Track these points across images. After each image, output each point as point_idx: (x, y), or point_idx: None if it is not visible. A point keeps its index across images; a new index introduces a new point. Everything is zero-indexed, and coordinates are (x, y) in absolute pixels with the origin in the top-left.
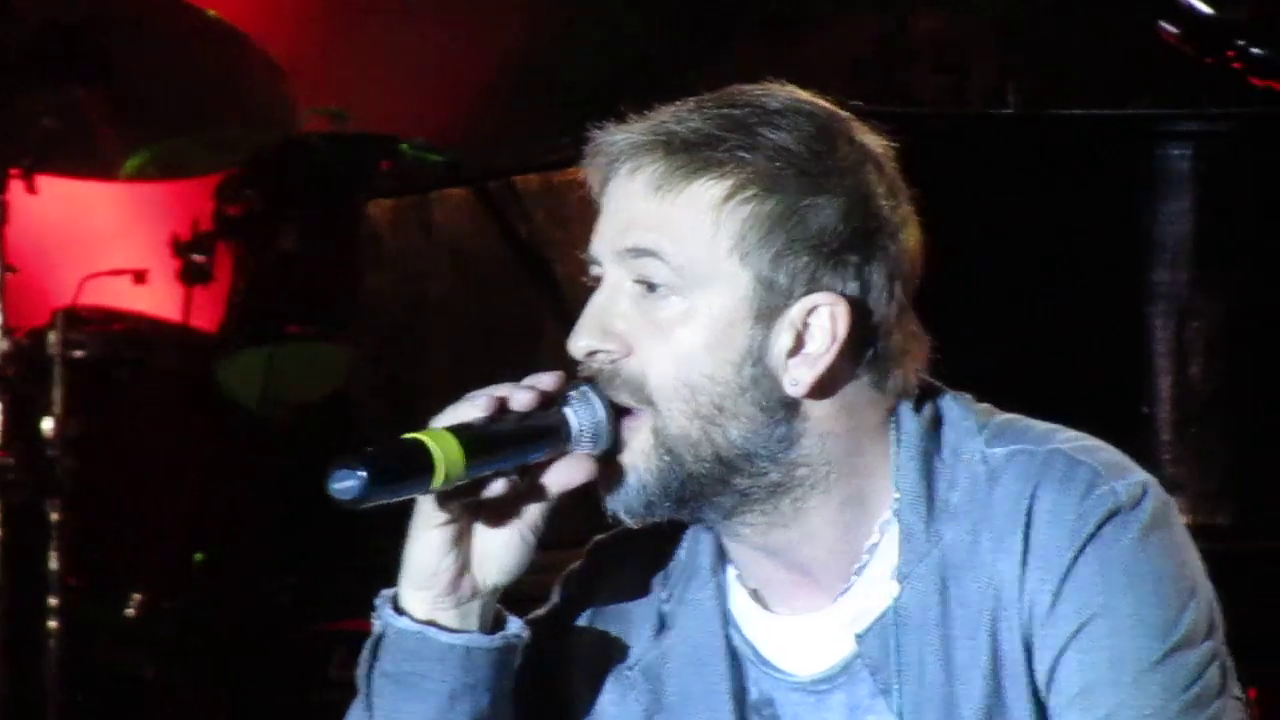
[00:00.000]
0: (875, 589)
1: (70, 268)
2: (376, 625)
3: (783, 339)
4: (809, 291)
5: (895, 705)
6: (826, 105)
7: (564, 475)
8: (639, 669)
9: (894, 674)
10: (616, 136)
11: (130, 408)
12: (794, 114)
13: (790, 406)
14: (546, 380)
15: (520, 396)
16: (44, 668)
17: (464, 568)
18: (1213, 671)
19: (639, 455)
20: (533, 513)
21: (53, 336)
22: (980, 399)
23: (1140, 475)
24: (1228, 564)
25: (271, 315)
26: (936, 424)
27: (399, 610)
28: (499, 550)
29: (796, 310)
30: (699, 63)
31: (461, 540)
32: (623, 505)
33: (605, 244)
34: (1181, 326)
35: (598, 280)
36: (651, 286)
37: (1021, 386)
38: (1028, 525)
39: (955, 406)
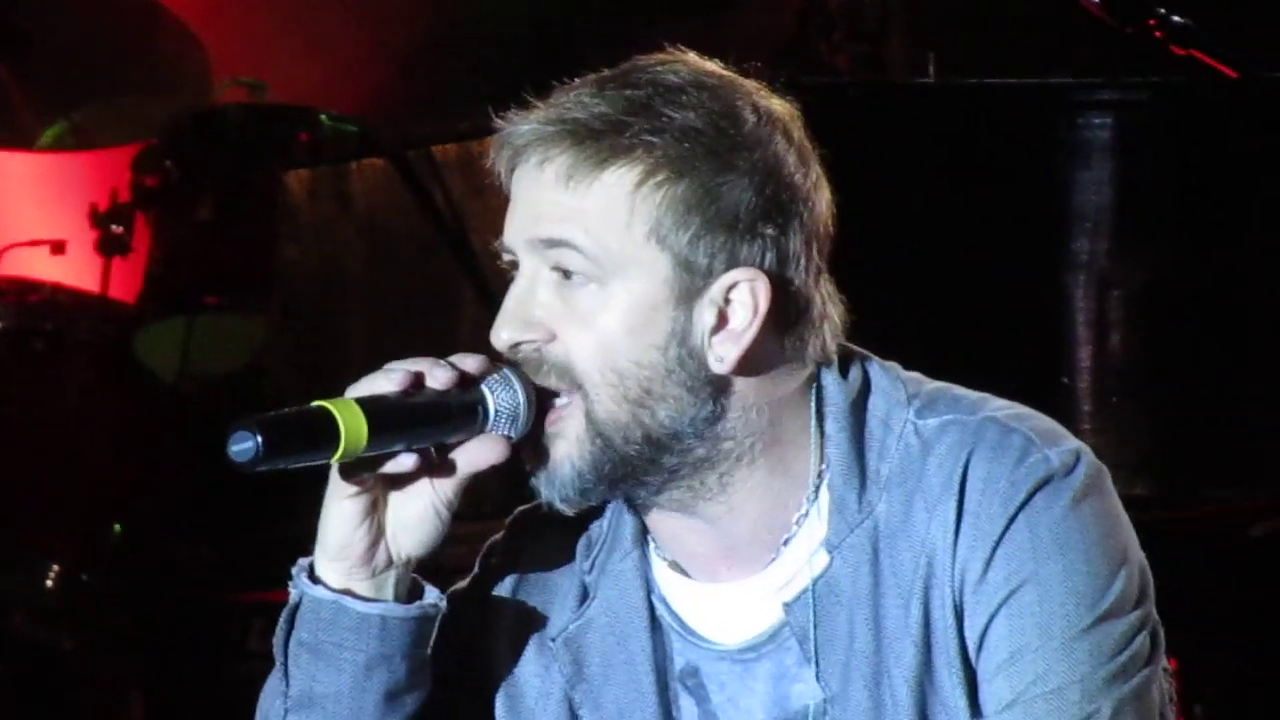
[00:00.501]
0: (804, 559)
1: None
2: (293, 594)
3: (705, 318)
4: (728, 268)
5: (823, 674)
6: (729, 75)
7: (476, 455)
8: (561, 640)
9: (822, 643)
10: (521, 127)
11: (47, 379)
12: (696, 89)
13: (716, 383)
14: (469, 361)
15: (438, 373)
16: None
17: (377, 539)
18: (1140, 641)
19: (573, 443)
20: (446, 488)
21: None
22: (902, 368)
23: (1073, 443)
24: (1146, 535)
25: (189, 286)
26: (864, 393)
27: (315, 579)
28: (413, 523)
29: (717, 288)
30: (623, 39)
31: (374, 512)
32: (558, 494)
33: (518, 234)
34: (1102, 296)
35: (511, 266)
36: (568, 274)
37: (942, 356)
38: (961, 494)
39: (883, 376)
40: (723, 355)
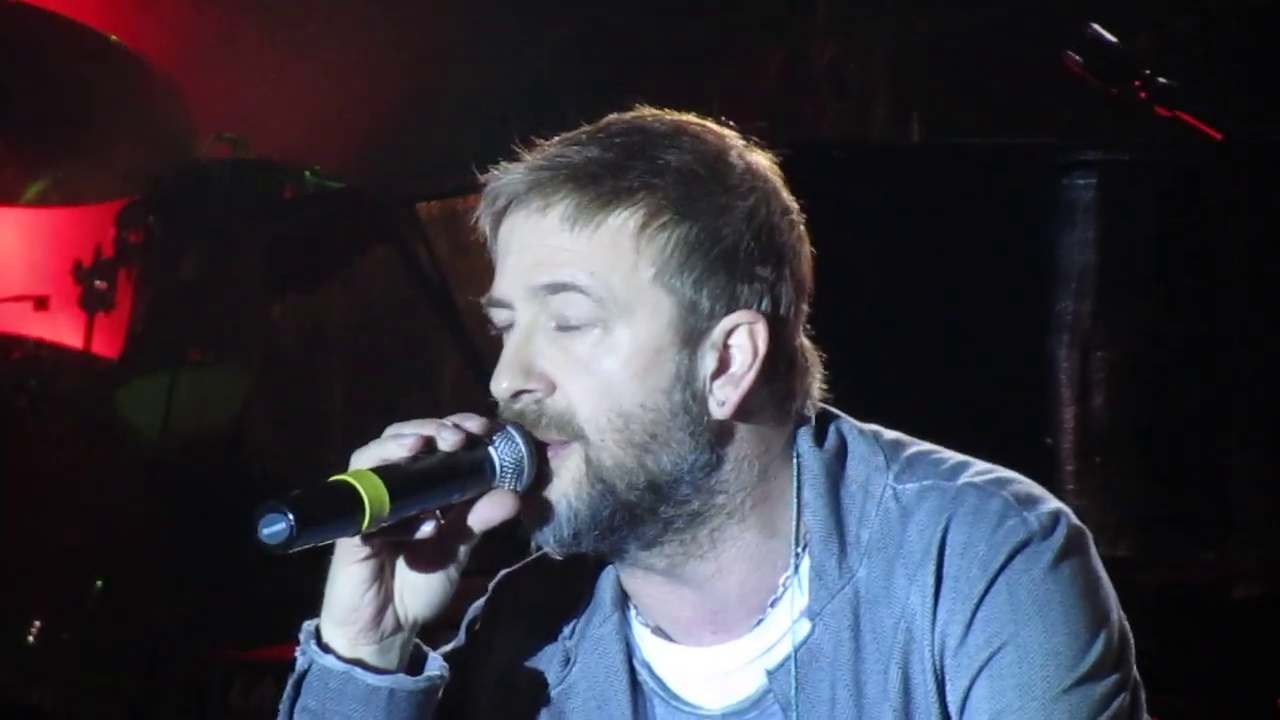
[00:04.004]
0: (787, 625)
1: None
2: (300, 660)
3: (707, 361)
4: (728, 311)
5: None
6: (710, 125)
7: (487, 512)
8: (543, 706)
9: (804, 709)
10: (515, 175)
11: (30, 434)
12: (685, 135)
13: (714, 430)
14: (472, 422)
15: (446, 435)
16: None
17: (386, 603)
18: (1120, 701)
19: (570, 484)
20: (456, 548)
21: None
22: (886, 427)
23: (1052, 505)
24: (1130, 596)
25: (172, 342)
26: (840, 457)
27: (323, 646)
28: (422, 586)
29: (718, 331)
30: (604, 96)
31: (383, 576)
32: (552, 535)
33: (517, 283)
34: (1085, 356)
35: (502, 325)
36: (570, 320)
37: (925, 415)
38: (940, 559)
39: (860, 440)
40: (723, 399)
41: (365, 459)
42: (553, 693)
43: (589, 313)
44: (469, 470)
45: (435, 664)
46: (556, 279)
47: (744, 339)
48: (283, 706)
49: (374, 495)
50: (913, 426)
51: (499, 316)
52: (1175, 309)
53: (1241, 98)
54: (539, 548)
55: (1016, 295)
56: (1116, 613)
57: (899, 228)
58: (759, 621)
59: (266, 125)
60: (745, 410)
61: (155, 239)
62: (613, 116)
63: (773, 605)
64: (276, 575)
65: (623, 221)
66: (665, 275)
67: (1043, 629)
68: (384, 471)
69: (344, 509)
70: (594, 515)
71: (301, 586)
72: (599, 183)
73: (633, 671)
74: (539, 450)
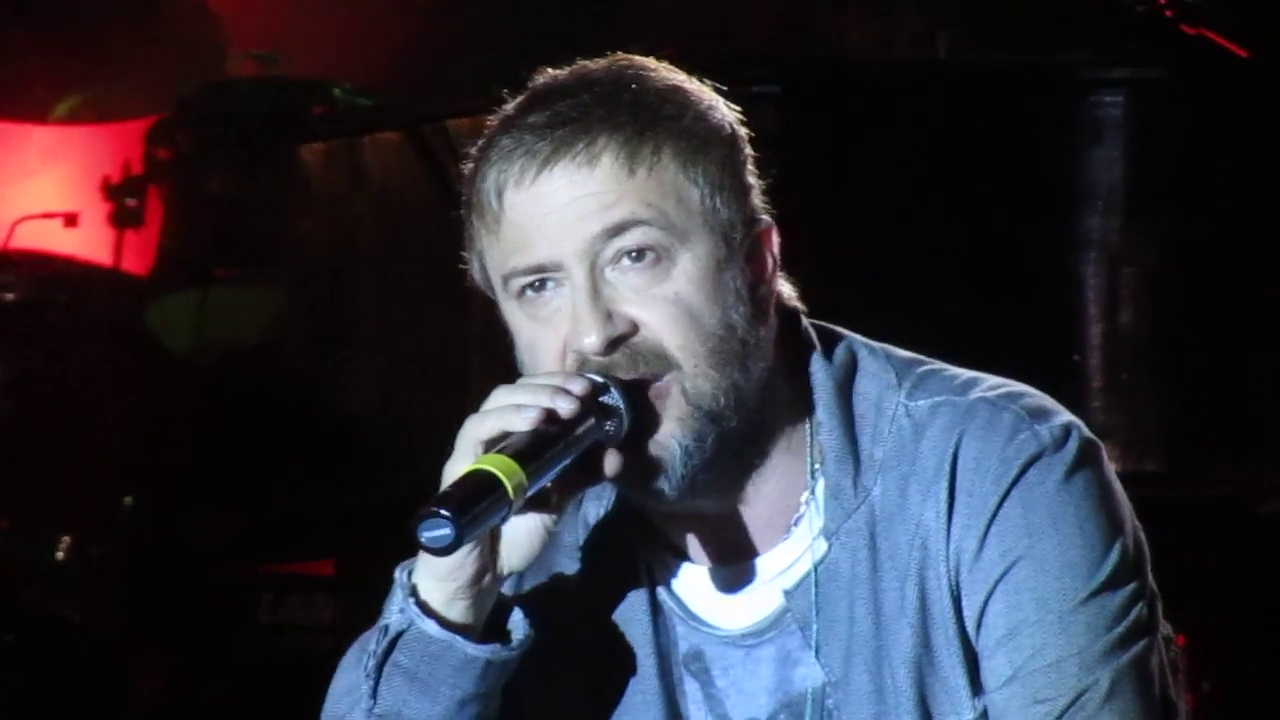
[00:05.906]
0: (804, 544)
1: (1, 211)
2: (398, 618)
3: (748, 272)
4: (752, 222)
5: (824, 658)
6: (678, 71)
7: (597, 472)
8: (559, 627)
9: (823, 627)
10: (531, 139)
11: (60, 351)
12: (657, 68)
13: (761, 340)
14: (575, 383)
15: (563, 405)
16: None
17: (490, 559)
18: (1138, 611)
19: (674, 423)
20: (556, 501)
21: None
22: (911, 348)
23: (1064, 417)
24: (1156, 511)
25: (202, 259)
26: (851, 375)
27: (421, 604)
28: (523, 539)
29: (751, 242)
30: (622, 9)
31: (491, 534)
32: (667, 484)
33: (568, 239)
34: (1113, 274)
35: (542, 291)
36: (639, 255)
37: (953, 334)
38: (952, 475)
39: (871, 359)
40: (764, 309)
41: (485, 429)
42: (569, 613)
43: (654, 242)
44: (584, 435)
45: (519, 621)
46: (618, 219)
47: (765, 246)
48: (372, 655)
49: (514, 480)
50: (939, 346)
51: (540, 282)
52: (1202, 226)
53: (1266, 16)
54: None
55: (1044, 213)
56: (1131, 523)
57: (925, 145)
58: (781, 541)
59: (296, 42)
60: (769, 317)
61: (185, 156)
62: (584, 70)
63: (795, 525)
64: (304, 491)
65: (665, 156)
66: (707, 199)
67: (1057, 541)
68: (516, 453)
69: (492, 500)
70: (701, 449)
71: (328, 504)
72: (628, 126)
73: (652, 591)
74: (638, 396)
